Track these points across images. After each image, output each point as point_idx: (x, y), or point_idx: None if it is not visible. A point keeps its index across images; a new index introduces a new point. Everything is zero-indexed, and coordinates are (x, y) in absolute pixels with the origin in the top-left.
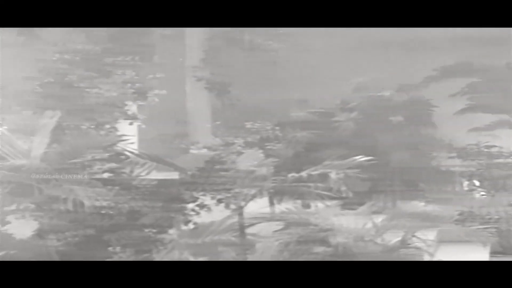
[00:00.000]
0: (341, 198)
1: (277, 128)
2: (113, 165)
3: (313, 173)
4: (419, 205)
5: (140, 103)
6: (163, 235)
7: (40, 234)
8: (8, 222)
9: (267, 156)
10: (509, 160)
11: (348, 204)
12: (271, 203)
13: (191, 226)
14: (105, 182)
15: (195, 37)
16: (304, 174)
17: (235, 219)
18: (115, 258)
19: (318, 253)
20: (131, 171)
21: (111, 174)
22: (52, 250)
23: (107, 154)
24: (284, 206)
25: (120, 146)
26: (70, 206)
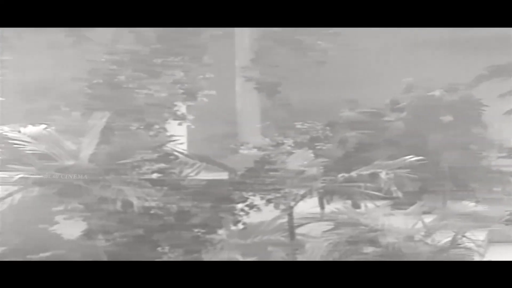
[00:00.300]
0: (391, 198)
1: (327, 128)
2: (162, 165)
3: (363, 173)
4: (469, 205)
5: (190, 103)
6: (212, 235)
7: (88, 234)
8: (57, 223)
9: (317, 156)
10: None
11: (398, 204)
12: (321, 203)
13: (240, 226)
14: (154, 183)
15: (245, 37)
16: (354, 174)
17: (285, 219)
18: (164, 258)
19: (368, 253)
20: (180, 172)
21: (160, 175)
22: (101, 250)
23: (156, 155)
24: (334, 206)
25: (169, 146)
26: (119, 206)
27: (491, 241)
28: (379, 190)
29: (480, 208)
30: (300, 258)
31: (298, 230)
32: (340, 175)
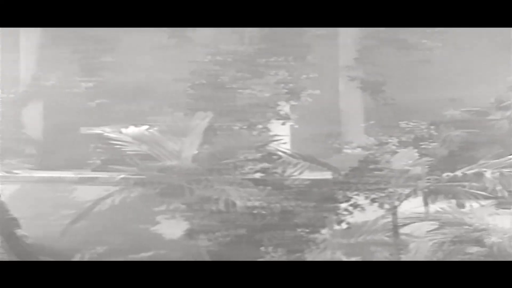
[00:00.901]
0: (496, 197)
1: (431, 127)
2: (265, 165)
3: (468, 172)
4: None
5: (293, 103)
6: (315, 235)
7: (190, 234)
8: (158, 223)
9: (422, 155)
10: None
11: (503, 204)
12: (425, 203)
13: (344, 226)
14: (257, 182)
15: (348, 36)
16: (458, 173)
17: (389, 218)
18: (267, 258)
19: (472, 253)
20: (284, 171)
21: (263, 174)
22: (203, 250)
23: (259, 154)
24: (438, 206)
25: (272, 146)
26: (222, 206)
27: None
28: (484, 189)
29: None
30: (404, 258)
31: (402, 230)
32: (444, 174)
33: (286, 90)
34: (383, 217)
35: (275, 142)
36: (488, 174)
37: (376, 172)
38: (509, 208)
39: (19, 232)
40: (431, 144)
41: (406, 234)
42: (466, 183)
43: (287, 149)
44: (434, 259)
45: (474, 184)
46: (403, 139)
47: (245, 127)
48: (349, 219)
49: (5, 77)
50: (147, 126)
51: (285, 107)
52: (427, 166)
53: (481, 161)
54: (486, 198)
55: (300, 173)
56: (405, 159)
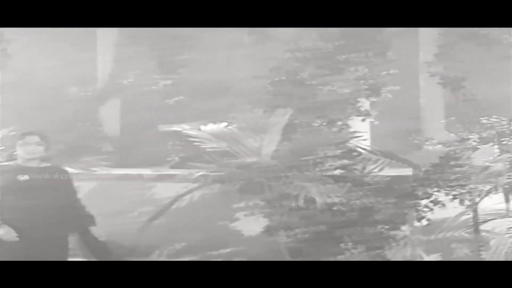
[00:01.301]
0: None
1: None
2: (345, 161)
3: None
4: None
5: (373, 99)
6: (395, 232)
7: (269, 231)
8: (237, 219)
9: (502, 151)
10: None
11: None
12: (506, 199)
13: (424, 222)
14: (336, 179)
15: (428, 32)
16: None
17: (469, 215)
18: (347, 254)
19: None
20: (364, 168)
21: (343, 171)
22: (282, 246)
23: (339, 151)
24: None
25: (352, 142)
26: (301, 203)
27: None
28: None
29: None
30: (484, 255)
31: (483, 227)
32: None
33: (366, 86)
34: (463, 213)
35: (355, 139)
36: None
37: (456, 169)
38: None
39: (94, 230)
40: None
41: (487, 231)
42: None
43: (367, 146)
44: None
45: None
46: (484, 135)
47: (324, 123)
48: (429, 215)
49: (83, 76)
50: (226, 123)
51: (365, 104)
52: (508, 163)
53: None
54: None
55: (380, 170)
56: (486, 156)
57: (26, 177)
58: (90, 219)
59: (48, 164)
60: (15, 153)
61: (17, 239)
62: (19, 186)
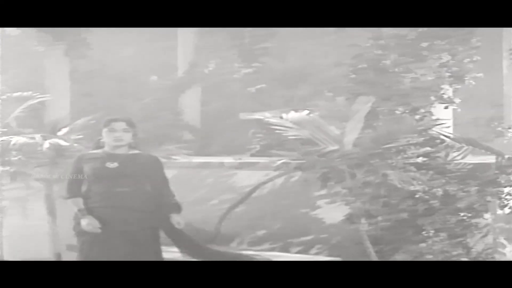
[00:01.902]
0: None
1: None
2: (427, 149)
3: None
4: None
5: (456, 86)
6: (477, 220)
7: (351, 218)
8: (319, 207)
9: None
10: None
11: None
12: None
13: (506, 210)
14: (419, 167)
15: None
16: None
17: None
18: (429, 242)
19: None
20: (446, 155)
21: (425, 159)
22: (363, 234)
23: (422, 139)
24: None
25: (435, 130)
26: (383, 190)
27: None
28: None
29: None
30: None
31: None
32: None
33: (449, 74)
34: None
35: (437, 126)
36: None
37: None
38: None
39: (174, 217)
40: None
41: None
42: None
43: (450, 133)
44: None
45: None
46: None
47: (407, 111)
48: None
49: (163, 64)
50: (307, 111)
51: (448, 91)
52: None
53: None
54: None
55: (463, 157)
56: None
57: (115, 164)
58: (176, 206)
59: (137, 151)
60: (102, 140)
61: (99, 230)
62: (108, 173)
